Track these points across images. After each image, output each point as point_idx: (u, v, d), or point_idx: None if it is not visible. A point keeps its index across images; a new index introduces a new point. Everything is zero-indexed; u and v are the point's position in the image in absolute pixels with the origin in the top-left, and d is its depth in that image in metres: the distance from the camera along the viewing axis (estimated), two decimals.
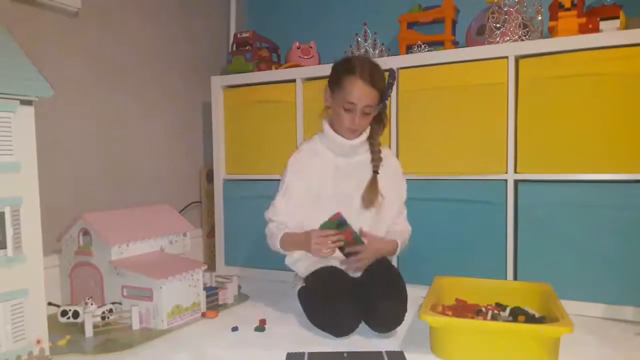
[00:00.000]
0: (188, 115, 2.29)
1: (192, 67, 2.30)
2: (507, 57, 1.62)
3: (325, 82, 1.53)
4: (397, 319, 1.34)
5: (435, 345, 1.23)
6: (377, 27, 2.03)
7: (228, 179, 2.17)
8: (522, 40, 1.66)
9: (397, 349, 1.25)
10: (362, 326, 1.34)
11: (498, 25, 1.69)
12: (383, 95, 1.46)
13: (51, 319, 1.27)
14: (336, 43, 2.15)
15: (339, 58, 1.52)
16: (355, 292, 1.37)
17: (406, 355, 1.21)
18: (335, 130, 1.50)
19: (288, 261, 1.56)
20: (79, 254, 1.56)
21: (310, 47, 2.16)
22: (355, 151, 1.51)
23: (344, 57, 1.51)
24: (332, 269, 1.46)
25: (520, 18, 1.67)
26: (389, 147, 1.80)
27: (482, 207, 1.67)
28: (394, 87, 1.79)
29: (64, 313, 1.46)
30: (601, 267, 1.52)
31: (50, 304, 1.50)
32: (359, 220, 1.46)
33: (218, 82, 2.15)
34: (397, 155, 1.80)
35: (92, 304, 1.44)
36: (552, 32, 1.64)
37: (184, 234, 1.77)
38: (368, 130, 1.52)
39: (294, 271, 1.59)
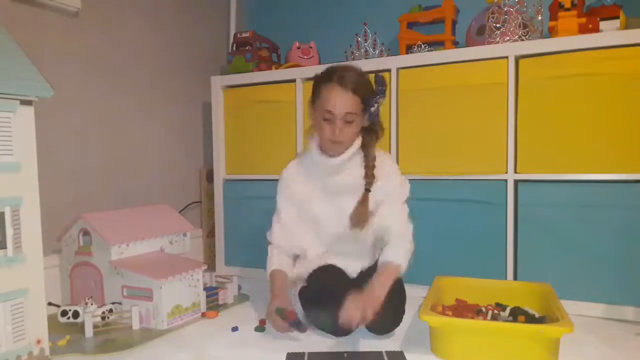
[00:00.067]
0: (188, 115, 2.29)
1: (192, 67, 2.30)
2: (507, 57, 1.62)
3: None
4: (395, 322, 1.34)
5: (435, 345, 1.23)
6: (377, 27, 2.03)
7: (228, 179, 2.17)
8: (522, 40, 1.66)
9: (397, 349, 1.25)
10: (362, 326, 1.34)
11: (498, 25, 1.69)
12: (367, 102, 1.34)
13: (51, 319, 1.27)
14: (336, 43, 2.15)
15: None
16: (355, 292, 1.37)
17: (406, 355, 1.21)
18: (322, 147, 1.40)
19: None
20: (79, 254, 1.56)
21: (310, 47, 2.16)
22: (341, 169, 1.39)
23: (326, 67, 1.41)
24: (332, 269, 1.46)
25: (520, 18, 1.67)
26: (389, 148, 1.81)
27: (482, 207, 1.67)
28: (395, 89, 1.79)
29: (64, 313, 1.46)
30: (601, 267, 1.51)
31: (50, 304, 1.50)
32: (356, 241, 1.42)
33: (218, 82, 2.15)
34: (397, 156, 1.80)
35: (92, 304, 1.44)
36: (552, 32, 1.64)
37: (184, 234, 1.77)
38: (359, 142, 1.40)
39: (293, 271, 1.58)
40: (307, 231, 1.47)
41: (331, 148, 1.37)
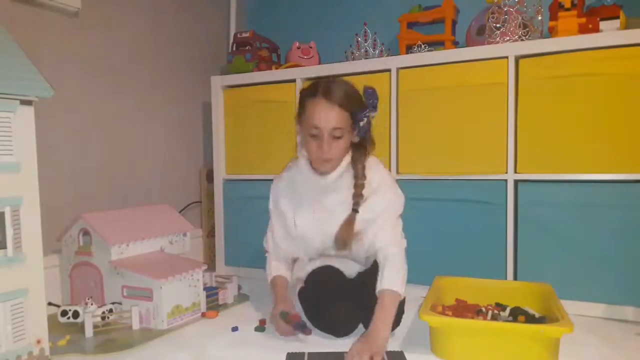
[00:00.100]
0: (188, 115, 2.29)
1: (192, 67, 2.30)
2: (507, 57, 1.62)
3: None
4: (395, 322, 1.33)
5: (435, 345, 1.23)
6: (377, 27, 2.03)
7: (228, 179, 2.17)
8: (522, 40, 1.66)
9: (397, 349, 1.25)
10: (363, 326, 1.34)
11: (498, 25, 1.69)
12: (356, 117, 1.28)
13: (51, 319, 1.27)
14: (336, 43, 2.15)
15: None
16: (355, 292, 1.37)
17: (406, 355, 1.21)
18: (313, 164, 1.35)
19: None
20: (79, 254, 1.56)
21: (310, 47, 2.16)
22: (331, 189, 1.34)
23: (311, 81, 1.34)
24: (332, 269, 1.46)
25: (520, 18, 1.67)
26: (389, 148, 1.81)
27: (482, 207, 1.67)
28: (395, 89, 1.79)
29: (64, 313, 1.46)
30: (601, 267, 1.51)
31: (50, 304, 1.50)
32: (344, 258, 1.42)
33: (218, 82, 2.15)
34: (397, 156, 1.80)
35: (92, 304, 1.44)
36: (552, 32, 1.64)
37: (184, 234, 1.77)
38: (348, 159, 1.34)
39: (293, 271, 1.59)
40: (297, 244, 1.47)
41: (320, 165, 1.32)
